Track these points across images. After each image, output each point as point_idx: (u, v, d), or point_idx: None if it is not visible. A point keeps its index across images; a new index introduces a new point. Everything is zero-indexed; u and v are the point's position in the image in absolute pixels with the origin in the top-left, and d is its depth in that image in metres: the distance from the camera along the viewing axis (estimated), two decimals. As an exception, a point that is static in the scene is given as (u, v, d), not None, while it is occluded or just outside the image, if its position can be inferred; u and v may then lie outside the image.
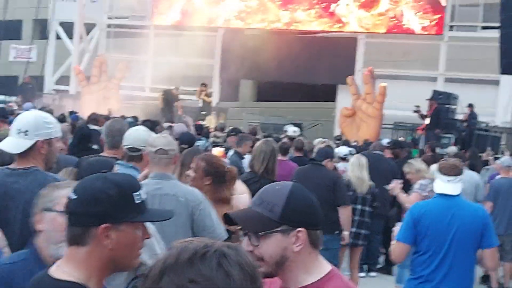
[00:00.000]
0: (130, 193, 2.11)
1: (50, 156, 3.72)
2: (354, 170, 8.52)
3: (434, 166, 9.98)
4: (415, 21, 23.19)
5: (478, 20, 23.12)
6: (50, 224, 2.63)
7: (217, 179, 4.65)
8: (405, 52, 24.20)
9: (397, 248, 5.07)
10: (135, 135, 5.03)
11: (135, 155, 4.94)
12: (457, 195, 5.09)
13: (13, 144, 3.61)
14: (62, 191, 2.62)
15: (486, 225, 5.05)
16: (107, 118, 12.59)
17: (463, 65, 22.55)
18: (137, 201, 2.11)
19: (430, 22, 22.99)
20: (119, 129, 5.23)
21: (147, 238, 2.18)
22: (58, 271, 2.08)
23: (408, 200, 7.36)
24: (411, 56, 23.98)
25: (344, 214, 7.72)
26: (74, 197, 2.10)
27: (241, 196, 5.22)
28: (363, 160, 8.62)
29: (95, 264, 2.09)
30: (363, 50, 24.16)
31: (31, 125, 3.61)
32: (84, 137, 6.72)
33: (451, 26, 23.34)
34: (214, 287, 1.25)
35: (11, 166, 3.66)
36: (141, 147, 4.92)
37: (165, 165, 4.45)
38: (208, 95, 22.98)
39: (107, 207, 2.06)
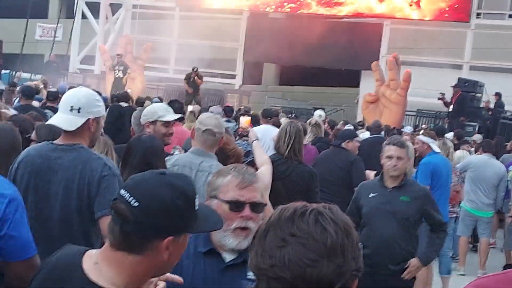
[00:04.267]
0: (194, 201, 1.94)
1: (96, 134, 3.74)
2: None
3: (459, 152, 10.13)
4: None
5: (506, 8, 22.89)
6: None
7: (221, 158, 4.64)
8: (430, 39, 24.03)
9: None
10: (150, 108, 5.22)
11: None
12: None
13: (67, 121, 3.60)
14: (225, 179, 2.63)
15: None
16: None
17: (489, 54, 22.37)
18: (196, 208, 1.95)
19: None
20: None
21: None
22: (96, 272, 1.92)
23: None
24: (436, 43, 23.81)
25: None
26: (136, 204, 1.86)
27: (261, 169, 5.31)
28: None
29: (142, 272, 1.93)
30: (388, 36, 24.04)
31: (84, 103, 3.61)
32: (119, 116, 6.78)
33: (478, 14, 23.13)
34: (311, 240, 1.43)
35: (56, 141, 3.67)
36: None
37: (210, 146, 4.52)
38: (112, 68, 21.93)
39: (176, 220, 1.88)
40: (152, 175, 1.95)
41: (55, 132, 3.89)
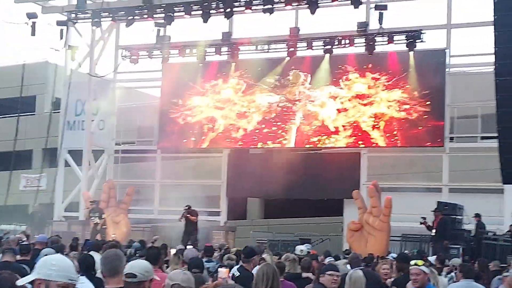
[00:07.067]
0: None
1: None
2: None
3: (444, 278, 10.11)
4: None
5: (477, 131, 23.60)
6: None
7: None
8: (408, 165, 24.55)
9: None
10: (134, 262, 4.97)
11: (131, 281, 4.64)
12: None
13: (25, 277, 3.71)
14: None
15: None
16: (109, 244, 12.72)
17: (467, 175, 22.82)
18: None
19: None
20: (115, 255, 5.13)
21: None
22: None
23: None
24: (414, 168, 24.32)
25: None
26: None
27: None
28: (358, 278, 7.37)
29: None
30: (366, 164, 24.53)
31: (40, 263, 3.71)
32: (89, 266, 6.83)
33: (451, 138, 23.78)
34: None
35: None
36: (138, 274, 4.66)
37: None
38: (88, 215, 22.19)
39: None
40: None
41: None
